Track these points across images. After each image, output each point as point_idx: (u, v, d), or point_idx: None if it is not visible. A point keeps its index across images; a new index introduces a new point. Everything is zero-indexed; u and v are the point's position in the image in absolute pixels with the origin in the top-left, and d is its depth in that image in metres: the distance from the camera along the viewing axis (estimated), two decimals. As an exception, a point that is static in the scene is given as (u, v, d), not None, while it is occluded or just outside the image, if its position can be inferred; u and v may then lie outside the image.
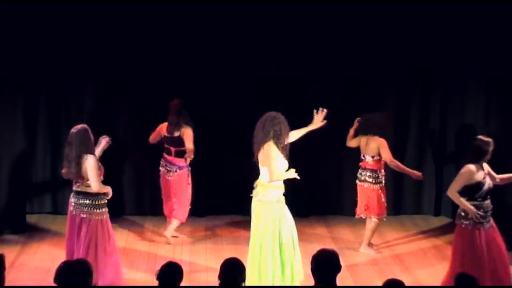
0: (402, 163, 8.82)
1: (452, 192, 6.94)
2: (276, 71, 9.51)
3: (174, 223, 8.77)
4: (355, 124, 8.58)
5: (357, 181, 8.51)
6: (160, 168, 8.75)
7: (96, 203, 7.13)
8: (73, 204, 7.16)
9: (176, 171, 8.66)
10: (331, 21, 9.52)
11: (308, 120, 9.62)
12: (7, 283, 5.08)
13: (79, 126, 7.21)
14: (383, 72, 9.81)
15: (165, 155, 8.71)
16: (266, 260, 6.79)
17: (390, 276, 6.53)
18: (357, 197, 8.55)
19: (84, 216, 7.11)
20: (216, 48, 9.47)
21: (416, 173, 8.60)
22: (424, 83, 9.86)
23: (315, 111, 7.13)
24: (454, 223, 7.21)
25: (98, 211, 7.15)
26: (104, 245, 7.15)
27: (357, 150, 8.65)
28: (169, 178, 8.69)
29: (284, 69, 9.53)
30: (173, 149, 8.65)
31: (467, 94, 9.64)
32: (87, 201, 7.10)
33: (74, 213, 7.15)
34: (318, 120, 7.16)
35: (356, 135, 8.60)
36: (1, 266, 4.92)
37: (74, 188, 7.20)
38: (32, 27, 8.97)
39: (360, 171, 8.49)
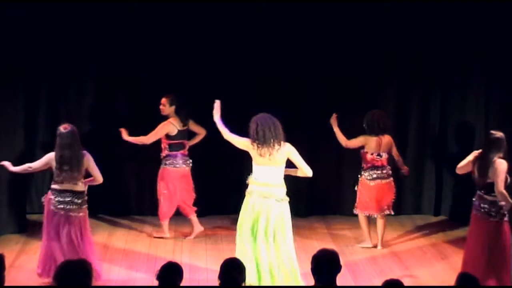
0: (403, 162, 8.84)
1: (503, 191, 6.87)
2: (276, 71, 9.52)
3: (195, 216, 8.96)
4: (336, 120, 8.50)
5: (381, 180, 8.49)
6: (178, 166, 8.73)
7: (84, 199, 7.32)
8: (62, 203, 7.15)
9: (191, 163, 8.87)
10: (331, 21, 9.52)
11: (308, 120, 9.70)
12: (7, 283, 5.08)
13: (68, 126, 7.24)
14: (383, 72, 9.81)
15: (179, 152, 8.71)
16: (294, 259, 6.98)
17: (389, 274, 6.55)
18: (375, 196, 8.53)
19: (75, 214, 7.18)
20: (216, 47, 9.47)
21: (405, 168, 8.71)
22: (424, 83, 9.86)
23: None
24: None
25: (85, 206, 7.35)
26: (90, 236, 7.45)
27: (357, 149, 8.65)
28: (188, 171, 8.83)
29: (284, 69, 9.53)
30: (186, 143, 8.76)
31: (467, 94, 9.64)
32: (76, 200, 7.19)
33: (61, 212, 7.17)
34: (216, 110, 7.16)
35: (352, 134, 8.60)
36: (1, 266, 4.92)
37: (61, 187, 7.20)
38: (32, 27, 8.96)
39: (378, 170, 8.46)
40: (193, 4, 9.27)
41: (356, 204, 8.64)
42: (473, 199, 7.14)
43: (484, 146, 7.11)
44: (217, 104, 7.14)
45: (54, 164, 7.24)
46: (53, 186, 7.28)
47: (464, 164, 7.20)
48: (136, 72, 9.49)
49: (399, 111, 9.89)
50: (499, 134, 7.03)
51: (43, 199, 7.44)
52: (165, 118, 8.72)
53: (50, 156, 7.30)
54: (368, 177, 8.47)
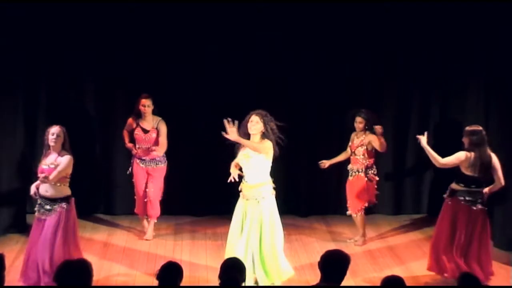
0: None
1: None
2: (276, 71, 9.51)
3: None
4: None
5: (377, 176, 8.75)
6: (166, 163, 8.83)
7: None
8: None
9: None
10: (331, 21, 9.52)
11: (308, 120, 9.70)
12: (7, 283, 5.08)
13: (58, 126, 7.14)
14: (383, 72, 9.81)
15: None
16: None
17: (387, 271, 6.55)
18: (376, 193, 8.79)
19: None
20: (215, 47, 9.47)
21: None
22: (424, 83, 9.86)
23: (225, 121, 6.87)
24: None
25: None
26: None
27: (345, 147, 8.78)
28: None
29: (284, 69, 9.53)
30: None
31: (467, 94, 9.64)
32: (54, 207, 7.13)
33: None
34: (233, 131, 6.83)
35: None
36: (1, 266, 4.93)
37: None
38: (32, 27, 8.96)
39: (373, 167, 8.70)
40: (193, 4, 9.27)
41: (352, 205, 8.74)
42: (456, 190, 7.42)
43: (479, 144, 7.27)
44: (231, 125, 6.82)
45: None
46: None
47: (450, 161, 7.44)
48: (136, 72, 9.48)
49: (399, 111, 9.89)
50: (481, 128, 7.34)
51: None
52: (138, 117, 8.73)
53: (71, 159, 7.03)
54: (374, 173, 8.71)
